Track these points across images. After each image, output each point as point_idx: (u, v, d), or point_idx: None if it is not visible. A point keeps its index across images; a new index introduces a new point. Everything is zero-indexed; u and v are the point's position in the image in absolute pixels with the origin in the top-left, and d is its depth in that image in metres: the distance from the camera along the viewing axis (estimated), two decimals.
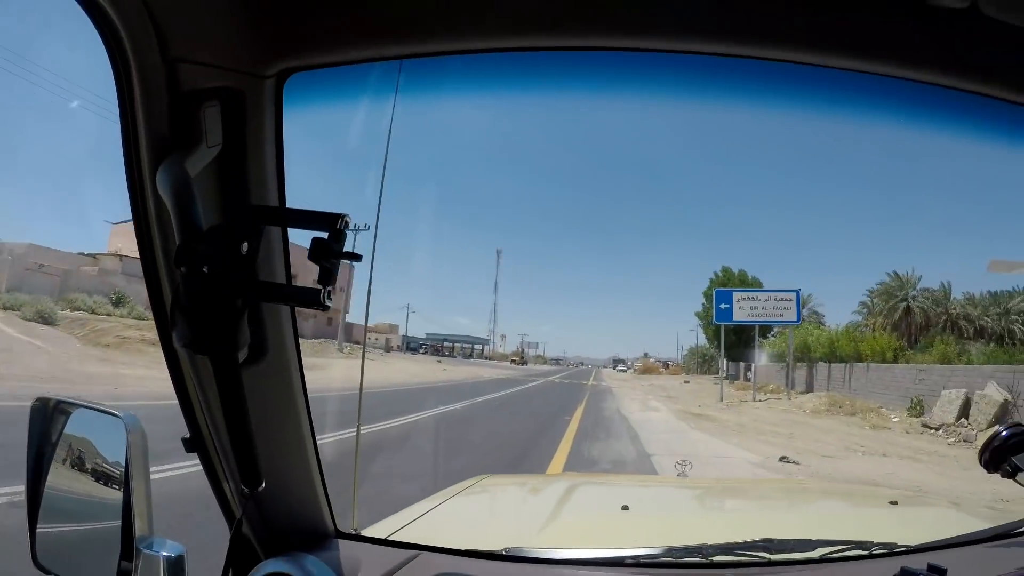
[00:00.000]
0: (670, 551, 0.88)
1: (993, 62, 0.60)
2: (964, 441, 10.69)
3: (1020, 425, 0.87)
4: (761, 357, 32.24)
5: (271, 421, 0.73)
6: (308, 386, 0.77)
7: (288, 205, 0.68)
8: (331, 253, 0.56)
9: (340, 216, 0.56)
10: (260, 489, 0.63)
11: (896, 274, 26.23)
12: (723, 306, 20.77)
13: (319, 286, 0.55)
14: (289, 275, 0.71)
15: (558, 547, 0.93)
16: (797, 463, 8.27)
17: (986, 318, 20.72)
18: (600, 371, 57.70)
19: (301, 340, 0.76)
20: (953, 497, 4.54)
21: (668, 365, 61.24)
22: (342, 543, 0.87)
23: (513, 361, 64.70)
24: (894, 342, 19.39)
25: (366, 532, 0.99)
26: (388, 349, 41.51)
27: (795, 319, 19.90)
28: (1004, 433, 0.86)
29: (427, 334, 68.14)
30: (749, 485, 3.10)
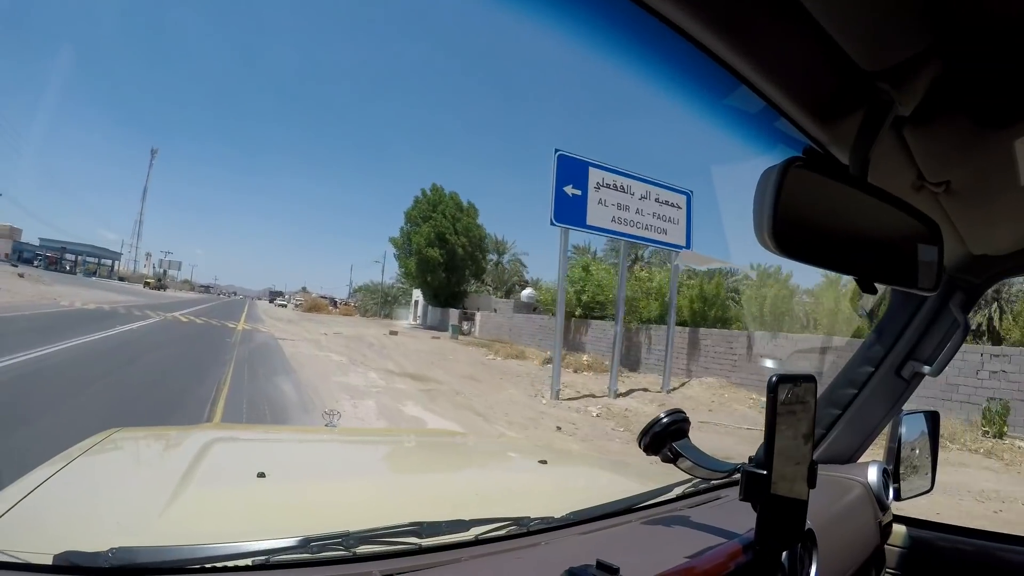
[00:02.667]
0: (307, 543, 0.74)
1: None
2: None
3: (679, 412, 0.90)
4: (490, 304, 22.37)
5: None
6: None
7: None
8: None
9: None
10: None
11: None
12: (570, 191, 10.95)
13: None
14: None
15: (178, 539, 0.74)
16: None
17: None
18: (255, 305, 50.10)
19: None
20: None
21: (337, 303, 54.59)
22: None
23: (147, 284, 55.58)
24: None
25: None
26: None
27: (683, 242, 12.65)
28: (665, 419, 0.88)
29: (41, 240, 57.51)
30: (414, 440, 2.38)
